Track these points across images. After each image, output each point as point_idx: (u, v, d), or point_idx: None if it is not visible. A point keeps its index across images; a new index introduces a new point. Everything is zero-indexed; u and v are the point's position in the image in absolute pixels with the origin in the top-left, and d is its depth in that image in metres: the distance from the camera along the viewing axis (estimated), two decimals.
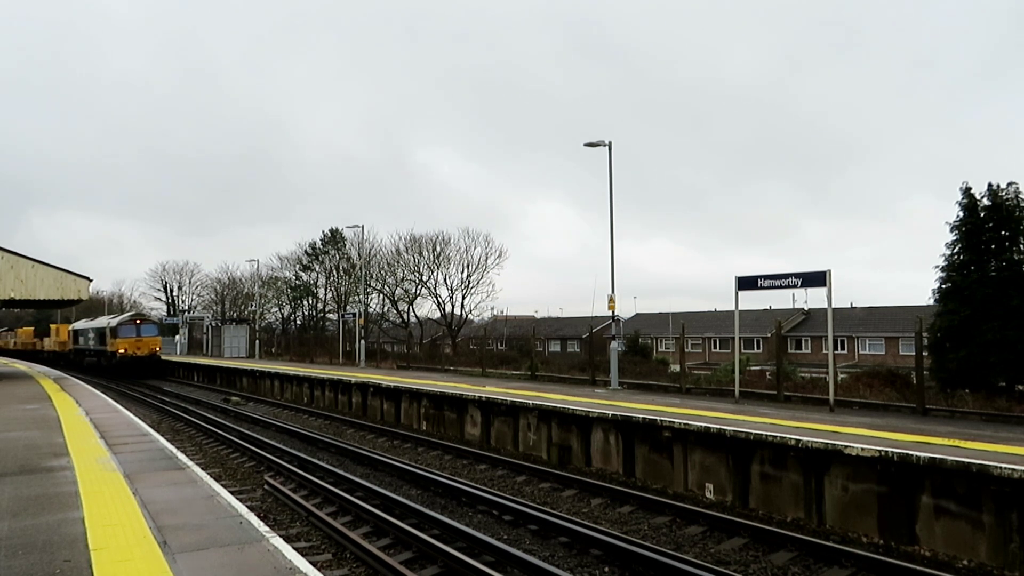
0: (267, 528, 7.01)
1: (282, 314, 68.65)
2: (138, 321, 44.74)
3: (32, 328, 75.64)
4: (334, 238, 61.36)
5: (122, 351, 42.41)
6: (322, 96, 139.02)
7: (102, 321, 48.78)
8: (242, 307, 71.50)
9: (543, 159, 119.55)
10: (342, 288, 61.00)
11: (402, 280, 56.90)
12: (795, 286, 16.18)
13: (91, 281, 29.68)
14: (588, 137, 51.67)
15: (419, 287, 56.27)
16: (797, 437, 11.14)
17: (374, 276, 56.67)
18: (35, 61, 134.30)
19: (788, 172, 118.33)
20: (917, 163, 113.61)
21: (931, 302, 21.78)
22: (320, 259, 62.84)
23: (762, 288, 16.50)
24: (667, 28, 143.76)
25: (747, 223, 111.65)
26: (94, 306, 72.65)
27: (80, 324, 54.86)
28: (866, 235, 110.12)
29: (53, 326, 64.02)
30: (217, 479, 10.39)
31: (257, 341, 54.05)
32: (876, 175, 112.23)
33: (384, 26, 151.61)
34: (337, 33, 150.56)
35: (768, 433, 11.60)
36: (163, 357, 47.30)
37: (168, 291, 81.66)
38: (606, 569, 8.66)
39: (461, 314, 55.59)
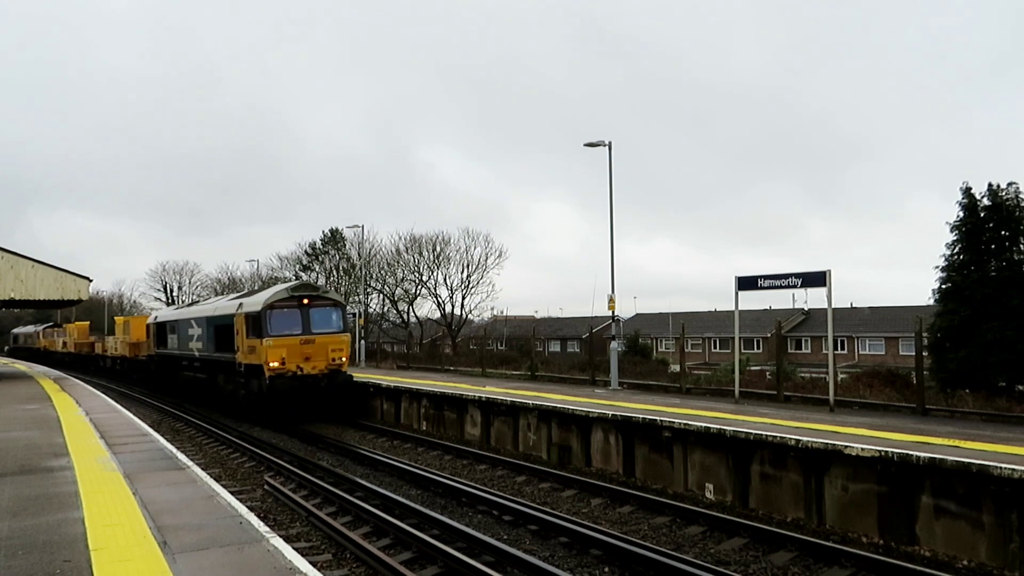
0: (267, 528, 7.01)
1: None
2: (306, 301, 21.71)
3: (87, 324, 57.08)
4: (334, 238, 61.35)
5: (275, 364, 20.60)
6: (322, 93, 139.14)
7: (223, 306, 25.11)
8: None
9: (545, 157, 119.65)
10: (342, 288, 60.96)
11: (402, 280, 56.91)
12: (795, 286, 16.17)
13: (91, 281, 29.71)
14: (591, 135, 51.72)
15: (419, 287, 56.28)
16: (797, 437, 11.14)
17: (374, 276, 56.67)
18: (30, 59, 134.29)
19: (792, 171, 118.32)
20: (922, 161, 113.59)
21: (931, 302, 21.82)
22: (320, 259, 62.81)
23: (762, 288, 16.49)
24: (672, 25, 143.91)
25: (750, 223, 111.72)
26: (94, 306, 71.92)
27: (169, 312, 33.12)
28: (870, 234, 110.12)
29: (120, 320, 43.61)
30: (217, 479, 10.39)
31: None
32: (881, 174, 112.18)
33: (384, 21, 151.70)
34: (336, 28, 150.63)
35: (768, 433, 11.60)
36: None
37: (168, 291, 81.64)
38: (606, 569, 8.67)
39: (461, 314, 55.60)
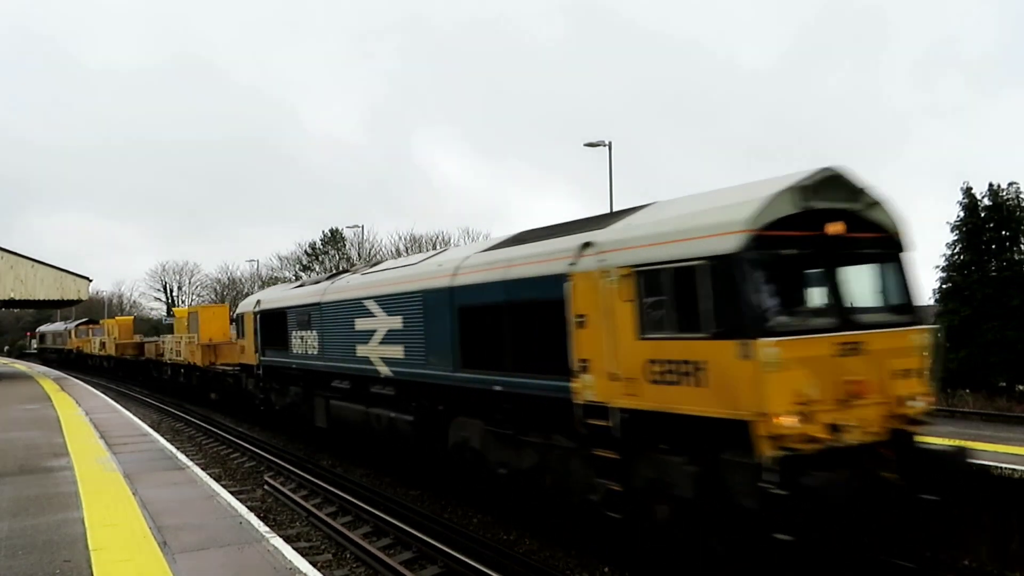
0: (267, 528, 7.02)
1: None
2: (836, 228, 6.92)
3: (131, 319, 45.90)
4: (334, 238, 61.39)
5: (792, 421, 6.12)
6: (322, 92, 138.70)
7: (487, 260, 9.84)
8: None
9: (546, 155, 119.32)
10: None
11: None
12: None
13: (91, 281, 29.79)
14: (593, 132, 51.82)
15: None
16: None
17: None
18: (30, 57, 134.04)
19: (794, 170, 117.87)
20: (923, 161, 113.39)
21: (931, 302, 21.83)
22: (320, 259, 62.84)
23: None
24: (676, 21, 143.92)
25: None
26: (94, 306, 71.58)
27: (289, 293, 18.16)
28: None
29: (180, 312, 32.14)
30: (217, 479, 10.40)
31: None
32: (882, 174, 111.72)
33: (384, 20, 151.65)
34: (335, 27, 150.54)
35: None
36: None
37: (168, 291, 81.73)
38: (606, 569, 8.66)
39: None
